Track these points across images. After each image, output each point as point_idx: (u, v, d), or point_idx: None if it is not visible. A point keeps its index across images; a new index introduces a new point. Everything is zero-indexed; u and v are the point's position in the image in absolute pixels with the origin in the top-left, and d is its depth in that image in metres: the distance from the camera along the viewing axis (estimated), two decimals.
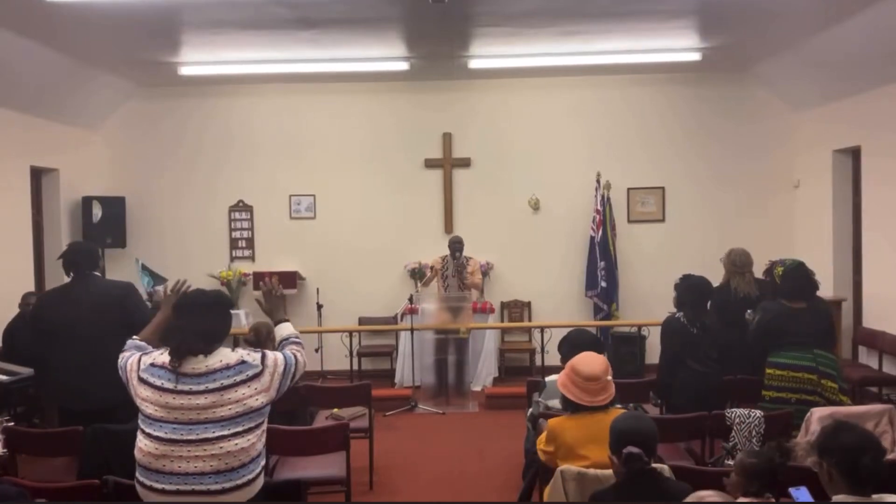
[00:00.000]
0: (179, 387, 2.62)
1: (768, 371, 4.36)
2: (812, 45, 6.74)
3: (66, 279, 4.33)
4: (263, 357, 2.76)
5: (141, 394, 2.67)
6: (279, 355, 2.82)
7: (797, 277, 4.43)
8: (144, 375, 2.68)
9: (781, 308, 4.40)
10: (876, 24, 5.85)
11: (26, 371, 5.49)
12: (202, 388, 2.62)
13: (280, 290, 3.24)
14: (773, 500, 2.74)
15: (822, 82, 7.35)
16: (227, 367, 2.67)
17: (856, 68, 6.65)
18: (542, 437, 3.35)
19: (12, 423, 4.06)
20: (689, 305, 4.65)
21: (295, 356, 2.87)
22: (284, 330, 3.06)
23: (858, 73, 6.68)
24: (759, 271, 5.27)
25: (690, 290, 4.71)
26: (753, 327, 4.50)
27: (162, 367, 2.67)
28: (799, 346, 4.28)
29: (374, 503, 4.77)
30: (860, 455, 2.28)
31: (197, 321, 2.72)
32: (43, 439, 3.98)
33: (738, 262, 5.32)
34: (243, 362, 2.70)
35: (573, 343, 4.07)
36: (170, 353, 2.67)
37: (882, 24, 5.79)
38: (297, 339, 3.02)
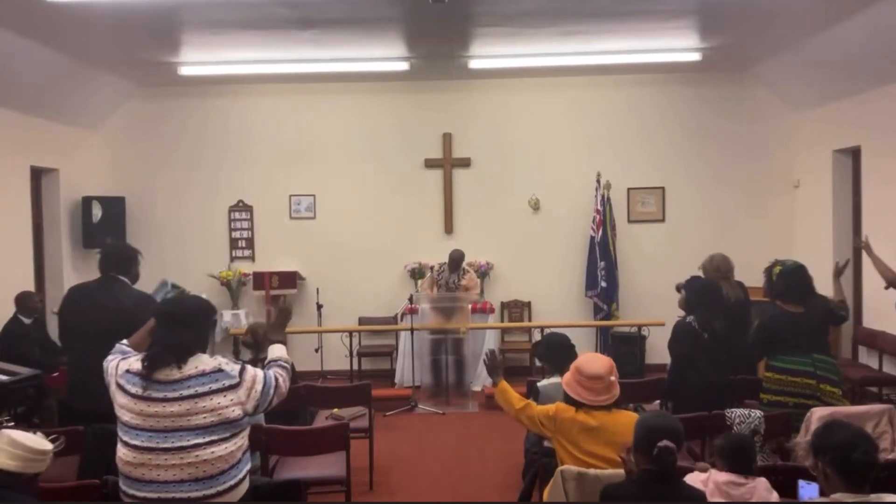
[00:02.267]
0: (153, 394, 2.59)
1: (766, 374, 4.35)
2: (812, 45, 6.74)
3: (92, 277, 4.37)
4: (242, 370, 2.70)
5: (118, 400, 2.65)
6: (259, 373, 2.74)
7: (792, 279, 4.37)
8: (121, 381, 2.66)
9: (779, 313, 4.34)
10: (876, 24, 5.85)
11: (26, 371, 5.49)
12: (176, 394, 2.58)
13: (291, 313, 3.14)
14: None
15: (822, 82, 7.35)
16: (203, 374, 2.62)
17: (856, 68, 6.65)
18: (545, 412, 3.35)
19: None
20: (700, 309, 4.62)
21: (277, 379, 2.78)
22: (277, 351, 2.96)
23: (858, 73, 6.68)
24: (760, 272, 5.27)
25: (701, 293, 4.68)
26: (753, 330, 4.46)
27: (136, 373, 2.64)
28: (797, 351, 4.24)
29: (374, 503, 4.77)
30: (851, 451, 2.30)
31: (172, 334, 2.67)
32: None
33: (722, 268, 5.27)
34: (220, 370, 2.65)
35: (549, 342, 4.22)
36: (142, 363, 2.64)
37: (882, 24, 5.79)
38: (286, 365, 2.91)
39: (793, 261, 4.55)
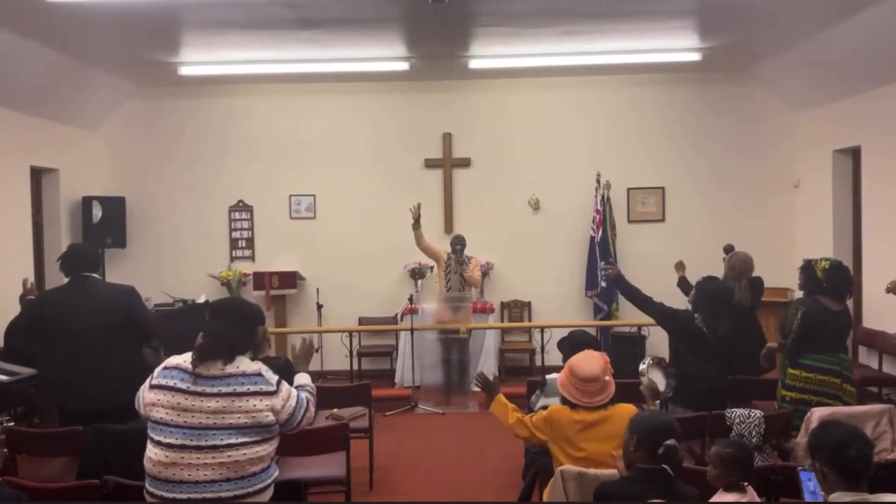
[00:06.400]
0: (192, 387, 2.61)
1: (792, 371, 4.32)
2: (812, 45, 6.74)
3: (66, 280, 4.34)
4: (280, 381, 2.75)
5: (150, 399, 2.65)
6: (294, 391, 2.80)
7: (841, 276, 4.36)
8: (156, 381, 2.67)
9: (822, 308, 4.32)
10: (876, 24, 5.85)
11: (26, 371, 5.49)
12: (215, 390, 2.61)
13: (314, 348, 3.29)
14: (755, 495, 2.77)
15: (822, 82, 7.35)
16: (244, 375, 2.66)
17: (856, 68, 6.65)
18: (540, 416, 3.34)
19: (12, 423, 4.06)
20: (704, 311, 4.60)
21: (308, 402, 2.85)
22: (303, 378, 3.04)
23: (858, 73, 6.68)
24: (761, 271, 5.28)
25: (709, 295, 4.65)
26: (798, 325, 4.31)
27: (176, 367, 2.67)
28: (828, 350, 4.26)
29: (374, 503, 4.77)
30: (846, 449, 2.33)
31: (229, 329, 2.73)
32: (43, 439, 3.98)
33: (736, 268, 5.28)
34: (260, 375, 2.69)
35: (573, 341, 4.14)
36: (194, 352, 2.66)
37: (882, 24, 5.79)
38: (313, 391, 2.98)
39: (834, 258, 4.53)
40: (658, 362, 4.28)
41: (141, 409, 2.73)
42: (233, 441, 2.58)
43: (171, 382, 2.64)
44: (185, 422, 2.58)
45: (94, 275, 4.29)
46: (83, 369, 4.04)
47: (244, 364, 2.70)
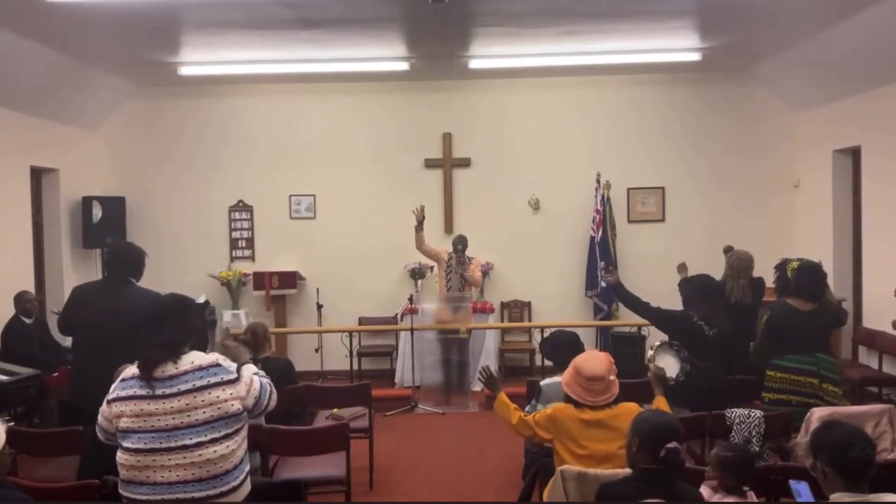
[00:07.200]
0: (151, 392, 2.58)
1: (769, 373, 4.32)
2: (812, 45, 6.75)
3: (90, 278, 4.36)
4: (239, 368, 2.72)
5: (114, 412, 2.61)
6: (255, 378, 2.77)
7: (810, 276, 4.31)
8: (114, 395, 2.63)
9: (789, 310, 4.30)
10: (876, 24, 5.85)
11: (26, 371, 5.50)
12: (174, 390, 2.58)
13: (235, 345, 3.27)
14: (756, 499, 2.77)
15: (822, 82, 7.36)
16: (200, 368, 2.62)
17: (856, 68, 6.65)
18: (543, 414, 3.35)
19: (12, 423, 4.06)
20: (699, 304, 4.57)
21: (270, 385, 2.83)
22: (251, 368, 2.95)
23: (858, 73, 6.69)
24: (761, 271, 5.27)
25: (700, 287, 4.61)
26: (762, 328, 4.38)
27: (133, 377, 2.63)
28: (802, 350, 4.22)
29: (374, 503, 4.77)
30: (848, 449, 2.32)
31: (160, 333, 2.67)
32: (43, 439, 3.99)
33: (735, 267, 5.23)
34: (218, 365, 2.66)
35: (556, 342, 4.15)
36: (138, 368, 2.62)
37: (882, 24, 5.79)
38: (266, 376, 2.93)
39: (807, 259, 4.50)
40: (668, 346, 4.20)
41: (101, 433, 2.69)
42: (202, 439, 2.56)
43: (130, 392, 2.60)
44: (152, 426, 2.56)
45: (132, 279, 4.23)
46: (88, 369, 4.05)
47: (199, 358, 2.66)
